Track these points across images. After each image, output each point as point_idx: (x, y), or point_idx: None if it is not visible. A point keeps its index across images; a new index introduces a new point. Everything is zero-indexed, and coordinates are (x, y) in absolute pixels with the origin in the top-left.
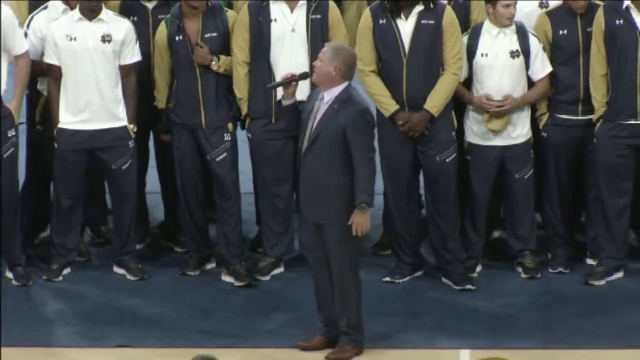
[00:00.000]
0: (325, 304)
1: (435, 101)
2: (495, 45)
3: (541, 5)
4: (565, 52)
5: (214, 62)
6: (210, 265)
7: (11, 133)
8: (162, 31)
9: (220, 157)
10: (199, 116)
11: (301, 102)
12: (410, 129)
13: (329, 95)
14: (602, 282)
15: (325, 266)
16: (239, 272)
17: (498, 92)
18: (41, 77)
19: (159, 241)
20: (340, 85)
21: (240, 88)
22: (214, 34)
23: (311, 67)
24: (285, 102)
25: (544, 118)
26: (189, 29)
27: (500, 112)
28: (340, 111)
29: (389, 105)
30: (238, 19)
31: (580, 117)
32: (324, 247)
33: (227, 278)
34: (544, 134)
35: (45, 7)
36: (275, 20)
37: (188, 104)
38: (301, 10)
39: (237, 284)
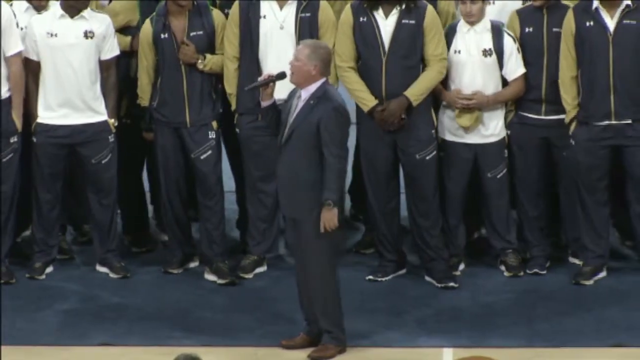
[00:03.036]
0: (307, 303)
1: (416, 90)
2: (467, 43)
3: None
4: (530, 50)
5: (200, 61)
6: (193, 264)
7: (13, 139)
8: (147, 29)
9: (205, 155)
10: (183, 114)
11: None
12: (388, 116)
13: (306, 92)
14: (591, 282)
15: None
16: (222, 270)
17: (470, 90)
18: None
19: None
20: (317, 82)
21: (230, 83)
22: (200, 33)
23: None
24: (264, 103)
25: (510, 115)
26: (174, 27)
27: (468, 106)
28: (316, 107)
29: (368, 100)
30: (230, 14)
31: (543, 117)
32: (300, 244)
33: (210, 276)
34: (508, 132)
35: (10, 5)
36: (265, 17)
37: (172, 102)
38: (291, 8)
39: (220, 282)
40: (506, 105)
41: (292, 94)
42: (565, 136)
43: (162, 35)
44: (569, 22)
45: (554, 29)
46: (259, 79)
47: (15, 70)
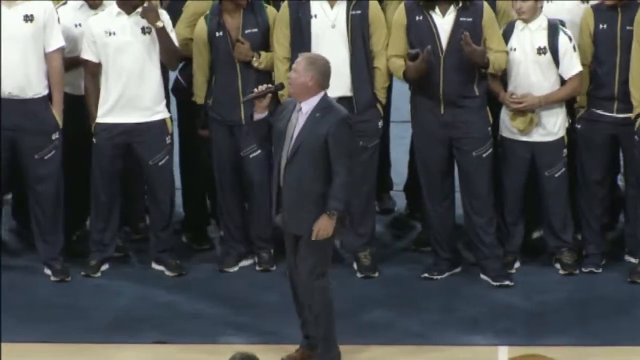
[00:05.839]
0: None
1: (493, 56)
2: (522, 41)
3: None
4: (603, 47)
5: (254, 59)
6: (248, 262)
7: (54, 136)
8: (201, 27)
9: (255, 154)
10: (238, 112)
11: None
12: (468, 48)
13: (307, 105)
14: None
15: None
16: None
17: (525, 88)
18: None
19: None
20: (317, 95)
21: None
22: (255, 30)
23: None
24: (257, 116)
25: (581, 111)
26: (229, 25)
27: (519, 109)
28: (322, 120)
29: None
30: (278, 15)
31: (615, 115)
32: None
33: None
34: (578, 126)
35: (65, 3)
36: (316, 16)
37: (227, 100)
38: (341, 7)
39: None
40: (575, 102)
41: (286, 108)
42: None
43: (217, 34)
44: None
45: (628, 27)
46: (257, 89)
47: (55, 67)
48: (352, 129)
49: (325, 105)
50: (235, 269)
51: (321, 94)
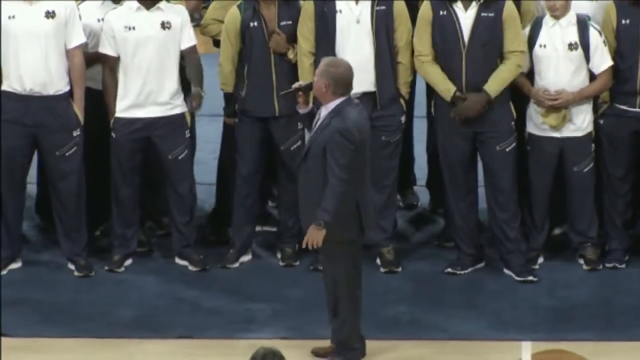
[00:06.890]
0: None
1: (495, 85)
2: (552, 37)
3: None
4: (625, 42)
5: (290, 51)
6: (246, 257)
7: (75, 133)
8: (234, 16)
9: (295, 146)
10: (272, 105)
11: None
12: (465, 110)
13: (325, 110)
14: None
15: None
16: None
17: (557, 84)
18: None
19: (205, 233)
20: (334, 101)
21: (306, 78)
22: (289, 22)
23: None
24: (300, 111)
25: (604, 107)
26: (265, 16)
27: (554, 105)
28: (327, 127)
29: (448, 90)
30: (303, 9)
31: (637, 110)
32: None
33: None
34: (601, 121)
35: None
36: (341, 11)
37: (261, 92)
38: (366, 2)
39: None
40: (599, 97)
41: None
42: None
43: (252, 24)
44: None
45: None
46: (293, 86)
47: (76, 63)
48: (350, 141)
49: (335, 113)
50: (236, 265)
51: (338, 100)
